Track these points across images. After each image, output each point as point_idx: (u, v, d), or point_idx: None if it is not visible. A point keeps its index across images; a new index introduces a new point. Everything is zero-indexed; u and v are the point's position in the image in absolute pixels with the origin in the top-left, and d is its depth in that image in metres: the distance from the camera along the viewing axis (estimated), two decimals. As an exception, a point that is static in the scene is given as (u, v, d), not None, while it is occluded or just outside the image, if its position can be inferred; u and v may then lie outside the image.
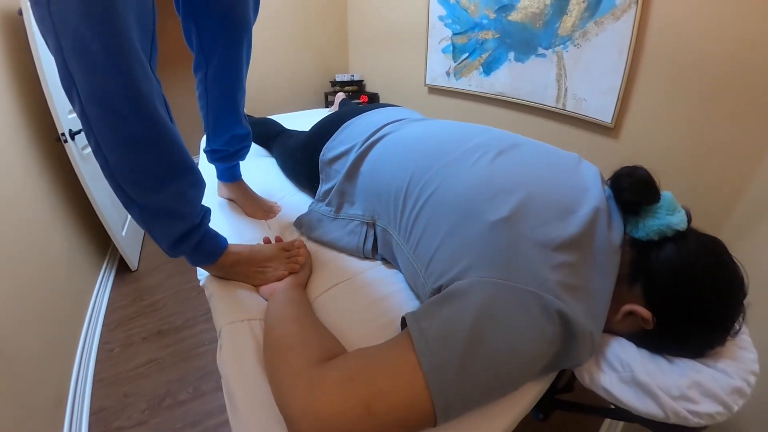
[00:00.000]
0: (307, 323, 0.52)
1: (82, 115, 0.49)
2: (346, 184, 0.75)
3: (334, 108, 1.95)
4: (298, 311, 0.54)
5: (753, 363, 0.47)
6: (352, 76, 2.97)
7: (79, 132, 1.40)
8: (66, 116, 1.37)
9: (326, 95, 3.10)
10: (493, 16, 1.72)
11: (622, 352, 0.48)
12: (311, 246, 0.78)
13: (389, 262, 0.71)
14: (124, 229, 1.69)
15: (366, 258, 0.73)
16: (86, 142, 1.43)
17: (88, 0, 0.43)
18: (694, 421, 0.42)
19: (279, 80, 2.93)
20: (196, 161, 0.73)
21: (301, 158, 0.94)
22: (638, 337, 0.50)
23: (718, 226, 1.18)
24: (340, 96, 1.99)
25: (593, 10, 1.33)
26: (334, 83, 2.98)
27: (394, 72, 2.69)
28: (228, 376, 0.51)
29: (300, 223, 0.82)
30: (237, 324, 0.59)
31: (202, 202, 0.66)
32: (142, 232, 1.99)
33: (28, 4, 0.47)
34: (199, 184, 0.64)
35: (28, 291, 1.05)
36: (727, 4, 1.07)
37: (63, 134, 1.35)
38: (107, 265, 1.69)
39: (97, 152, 0.52)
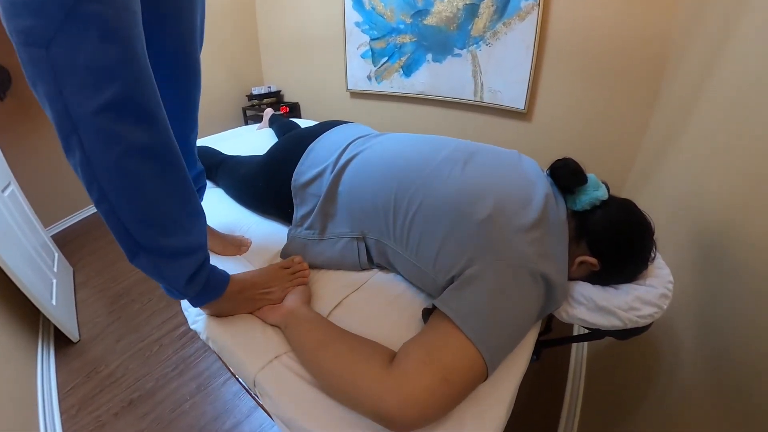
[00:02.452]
0: (348, 339, 0.61)
1: (85, 165, 0.49)
2: (327, 205, 0.81)
3: (264, 124, 1.99)
4: (329, 330, 0.63)
5: (668, 276, 0.71)
6: (269, 87, 2.99)
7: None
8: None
9: (244, 110, 3.07)
10: (409, 21, 1.94)
11: (584, 290, 0.69)
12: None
13: (384, 267, 0.82)
14: (52, 296, 1.54)
15: (363, 269, 0.82)
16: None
17: (106, 35, 0.43)
18: (643, 322, 0.65)
19: (192, 100, 2.83)
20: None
21: (265, 186, 0.97)
22: (591, 278, 0.71)
23: (624, 178, 1.56)
24: (269, 112, 2.03)
25: (501, 13, 1.63)
26: (251, 97, 2.97)
27: (313, 80, 2.79)
28: (293, 419, 0.55)
29: (287, 253, 0.86)
30: (267, 367, 0.62)
31: None
32: (73, 296, 1.81)
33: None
34: (201, 213, 0.66)
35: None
36: (614, 4, 1.43)
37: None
38: (42, 343, 1.51)
39: (101, 202, 0.52)
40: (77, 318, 1.70)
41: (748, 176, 0.69)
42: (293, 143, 0.96)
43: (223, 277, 0.71)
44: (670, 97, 1.28)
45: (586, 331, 0.75)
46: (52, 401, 1.34)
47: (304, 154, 0.89)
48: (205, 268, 0.67)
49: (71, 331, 1.55)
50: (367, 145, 0.85)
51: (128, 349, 1.55)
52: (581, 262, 0.68)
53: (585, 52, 1.55)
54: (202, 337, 0.74)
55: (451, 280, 0.62)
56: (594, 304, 0.67)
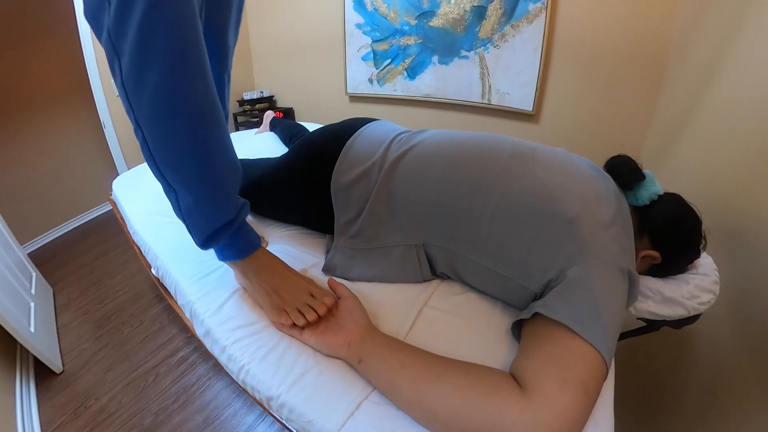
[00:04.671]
0: (457, 366, 0.57)
1: (122, 91, 0.51)
2: (378, 208, 0.77)
3: (264, 128, 2.00)
4: (427, 358, 0.59)
5: (712, 263, 0.78)
6: (261, 92, 3.00)
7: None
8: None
9: (235, 116, 3.07)
10: (414, 22, 2.01)
11: (649, 283, 0.74)
12: (353, 285, 0.77)
13: (447, 277, 0.80)
14: (30, 322, 1.45)
15: (424, 281, 0.78)
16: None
17: None
18: (702, 308, 0.71)
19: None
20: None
21: (296, 189, 0.92)
22: (651, 272, 0.76)
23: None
24: (270, 114, 2.05)
25: (509, 16, 1.72)
26: (242, 102, 2.98)
27: (309, 84, 2.82)
28: None
29: (332, 266, 0.81)
30: (350, 423, 0.55)
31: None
32: (54, 321, 1.71)
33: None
34: (237, 172, 0.65)
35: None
36: (617, 7, 1.55)
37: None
38: (21, 376, 1.42)
39: (136, 131, 0.54)
40: (59, 346, 1.61)
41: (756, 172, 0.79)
42: (326, 140, 0.91)
43: (251, 244, 0.72)
44: (673, 97, 1.40)
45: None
46: (35, 443, 1.25)
47: (343, 150, 0.83)
48: (230, 229, 0.66)
49: (53, 360, 1.46)
50: (416, 140, 0.82)
51: (120, 379, 1.47)
52: (644, 256, 0.72)
53: (591, 54, 1.67)
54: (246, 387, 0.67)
55: (546, 285, 0.62)
56: (661, 296, 0.72)
